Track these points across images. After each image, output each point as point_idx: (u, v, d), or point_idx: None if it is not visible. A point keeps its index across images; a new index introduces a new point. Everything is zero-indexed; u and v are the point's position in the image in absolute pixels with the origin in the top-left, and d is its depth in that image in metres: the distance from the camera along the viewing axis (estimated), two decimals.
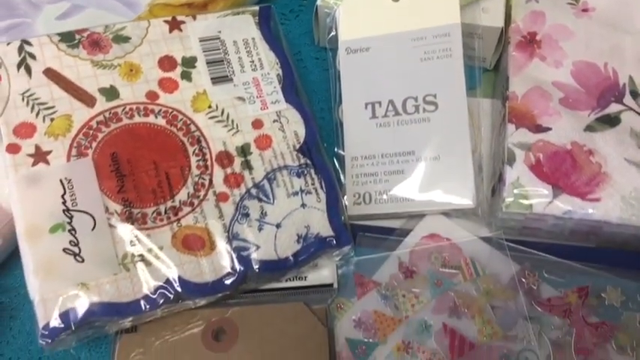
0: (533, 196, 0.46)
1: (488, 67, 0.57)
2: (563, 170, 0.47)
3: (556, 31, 0.53)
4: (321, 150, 0.49)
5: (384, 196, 0.49)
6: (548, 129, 0.49)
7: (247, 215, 0.46)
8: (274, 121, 0.49)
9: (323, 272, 0.47)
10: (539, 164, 0.47)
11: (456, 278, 0.46)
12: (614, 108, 0.49)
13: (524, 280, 0.46)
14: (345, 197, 0.50)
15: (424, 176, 0.49)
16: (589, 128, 0.48)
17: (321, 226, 0.46)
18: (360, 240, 0.49)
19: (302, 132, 0.49)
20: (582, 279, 0.45)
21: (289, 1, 0.62)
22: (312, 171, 0.48)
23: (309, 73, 0.58)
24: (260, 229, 0.45)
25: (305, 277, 0.47)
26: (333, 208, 0.47)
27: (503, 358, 0.43)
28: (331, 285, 0.47)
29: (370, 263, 0.48)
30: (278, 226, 0.46)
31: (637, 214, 0.45)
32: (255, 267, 0.44)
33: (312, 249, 0.45)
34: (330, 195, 0.47)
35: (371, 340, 0.45)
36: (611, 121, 0.49)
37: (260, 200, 0.46)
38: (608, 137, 0.48)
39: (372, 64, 0.51)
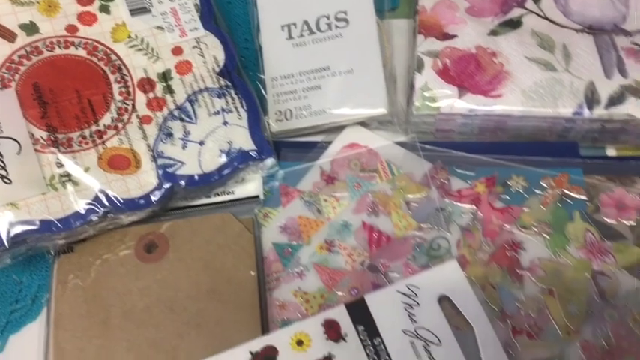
0: (441, 98, 0.49)
1: None
2: (468, 72, 0.49)
3: None
4: (242, 72, 0.51)
5: (304, 112, 0.51)
6: (455, 36, 0.51)
7: (171, 135, 0.48)
8: (194, 47, 0.51)
9: (249, 186, 0.50)
10: (446, 69, 0.50)
11: (374, 180, 0.49)
12: (516, 12, 0.52)
13: (436, 176, 0.49)
14: (268, 116, 0.52)
15: (340, 89, 0.51)
16: (493, 33, 0.51)
17: (243, 141, 0.48)
18: (285, 155, 0.51)
19: (221, 56, 0.51)
20: (490, 170, 0.48)
21: None
22: (233, 91, 0.50)
23: (234, 7, 0.60)
24: (184, 147, 0.48)
25: (233, 192, 0.50)
26: (254, 124, 0.49)
27: (417, 245, 0.46)
28: (257, 197, 0.49)
29: (294, 174, 0.51)
30: (201, 143, 0.48)
31: (537, 105, 0.48)
32: (181, 182, 0.47)
33: (235, 163, 0.48)
34: (251, 112, 0.49)
35: (295, 243, 0.48)
36: (514, 24, 0.51)
37: (182, 120, 0.48)
38: (510, 39, 0.51)
39: None
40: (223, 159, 0.48)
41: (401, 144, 0.51)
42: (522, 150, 0.49)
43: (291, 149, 0.52)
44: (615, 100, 0.47)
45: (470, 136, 0.51)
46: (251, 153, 0.48)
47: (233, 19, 0.59)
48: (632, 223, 0.45)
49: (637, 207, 0.46)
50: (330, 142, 0.52)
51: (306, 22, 0.53)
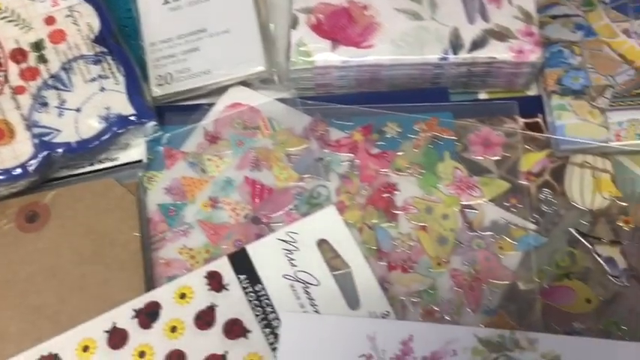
0: (315, 52, 0.50)
1: None
2: (341, 25, 0.51)
3: None
4: (119, 39, 0.51)
5: (184, 74, 0.52)
6: None
7: (46, 104, 0.48)
8: (67, 16, 0.51)
9: (133, 151, 0.50)
10: (319, 23, 0.51)
11: (256, 137, 0.50)
12: None
13: (315, 128, 0.50)
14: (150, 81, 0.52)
15: (218, 50, 0.52)
16: None
17: (121, 106, 0.48)
18: (169, 119, 0.52)
19: (96, 24, 0.51)
20: (366, 119, 0.50)
21: None
22: (109, 58, 0.50)
23: None
24: (60, 115, 0.47)
25: (117, 158, 0.50)
26: (133, 88, 0.49)
27: (297, 195, 0.48)
28: (141, 161, 0.50)
29: (179, 137, 0.51)
30: (78, 110, 0.48)
31: (405, 53, 0.49)
32: (59, 150, 0.47)
33: (114, 128, 0.48)
34: (129, 77, 0.49)
35: (180, 202, 0.48)
36: None
37: (57, 89, 0.48)
38: None
39: None
40: (102, 124, 0.48)
41: (282, 100, 0.52)
42: (397, 98, 0.51)
43: (176, 112, 0.52)
44: (478, 43, 0.49)
45: (349, 88, 0.53)
46: (130, 117, 0.48)
47: None
48: (498, 157, 0.48)
49: (502, 143, 0.48)
50: (214, 104, 0.52)
51: None
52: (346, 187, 0.48)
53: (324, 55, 0.50)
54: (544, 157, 0.48)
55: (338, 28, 0.51)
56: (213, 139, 0.50)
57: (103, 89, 0.49)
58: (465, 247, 0.45)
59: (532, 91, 0.53)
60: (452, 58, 0.49)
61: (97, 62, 0.49)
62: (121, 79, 0.49)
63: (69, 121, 0.47)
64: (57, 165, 0.48)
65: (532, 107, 0.51)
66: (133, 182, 0.49)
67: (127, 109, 0.48)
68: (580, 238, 0.45)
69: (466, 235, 0.45)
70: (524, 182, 0.47)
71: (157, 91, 0.52)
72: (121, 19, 0.56)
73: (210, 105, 0.52)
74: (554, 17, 0.53)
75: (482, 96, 0.53)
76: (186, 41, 0.52)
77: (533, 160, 0.48)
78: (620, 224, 0.45)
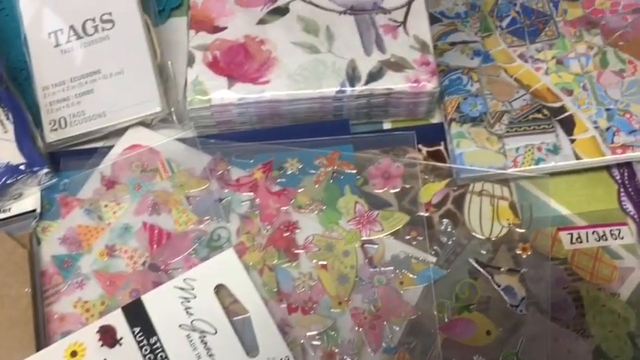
0: (211, 90, 0.49)
1: None
2: (237, 62, 0.50)
3: None
4: (8, 84, 0.50)
5: (79, 118, 0.50)
6: (225, 28, 0.52)
7: None
8: None
9: (27, 201, 0.48)
10: (215, 60, 0.50)
11: (154, 180, 0.49)
12: (283, 0, 0.53)
13: (215, 168, 0.49)
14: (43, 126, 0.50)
15: (112, 91, 0.50)
16: (261, 21, 0.52)
17: (10, 155, 0.47)
18: (65, 164, 0.50)
19: None
20: (267, 156, 0.49)
21: None
22: None
23: (9, 20, 0.57)
24: None
25: (10, 209, 0.48)
26: (23, 136, 0.48)
27: (197, 239, 0.46)
28: (34, 211, 0.48)
29: (75, 183, 0.49)
30: None
31: (302, 88, 0.49)
32: None
33: (3, 178, 0.46)
34: (19, 124, 0.48)
35: (75, 252, 0.46)
36: (281, 11, 0.52)
37: None
38: (277, 26, 0.51)
39: None
40: None
41: (182, 140, 0.51)
42: (299, 132, 0.50)
43: (72, 157, 0.50)
44: (375, 75, 0.49)
45: (250, 124, 0.52)
46: (20, 166, 0.47)
47: (9, 32, 0.56)
48: (398, 189, 0.47)
49: (402, 175, 0.48)
50: (111, 146, 0.51)
51: (72, 27, 0.51)
52: (247, 228, 0.47)
53: (220, 92, 0.49)
54: (444, 187, 0.48)
55: (235, 64, 0.50)
56: (110, 183, 0.49)
57: None
58: (365, 284, 0.44)
59: (435, 119, 0.53)
60: (349, 90, 0.49)
61: None
62: (10, 126, 0.48)
63: None
64: None
65: (435, 135, 0.51)
66: (25, 234, 0.47)
67: (16, 157, 0.47)
68: (479, 269, 0.44)
69: (367, 271, 0.45)
70: (425, 214, 0.46)
71: (51, 136, 0.50)
72: (16, 62, 0.54)
73: (109, 148, 0.51)
74: (453, 44, 0.53)
75: (387, 125, 0.53)
76: (79, 84, 0.51)
77: (433, 191, 0.47)
78: (519, 252, 0.45)
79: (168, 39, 0.56)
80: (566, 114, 0.49)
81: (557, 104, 0.49)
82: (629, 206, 0.48)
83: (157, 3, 0.57)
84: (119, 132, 0.51)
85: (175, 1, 0.58)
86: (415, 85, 0.49)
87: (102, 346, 0.42)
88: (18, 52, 0.55)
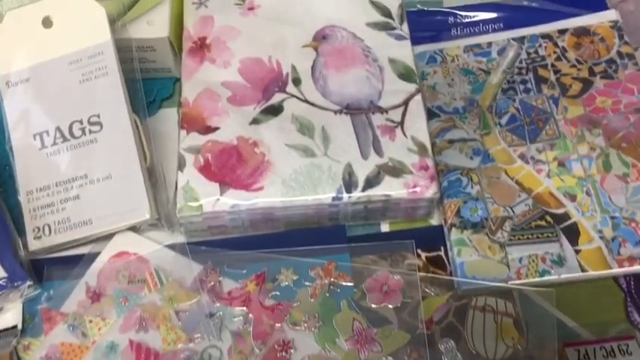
0: (203, 197, 0.47)
1: (179, 76, 0.57)
2: (230, 166, 0.48)
3: (224, 33, 0.55)
4: None
5: (64, 225, 0.48)
6: (217, 129, 0.50)
7: None
8: None
9: (8, 315, 0.46)
10: (207, 164, 0.48)
11: (142, 292, 0.47)
12: (277, 98, 0.52)
13: (206, 279, 0.47)
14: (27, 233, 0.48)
15: (99, 197, 0.48)
16: (255, 121, 0.50)
17: None
18: (48, 274, 0.48)
19: None
20: (260, 266, 0.47)
21: None
22: None
23: None
24: None
25: None
26: (4, 248, 0.46)
27: (186, 359, 0.44)
28: (15, 327, 0.45)
29: (59, 295, 0.47)
30: None
31: (297, 195, 0.47)
32: None
33: None
34: (0, 237, 0.46)
35: None
36: (275, 110, 0.51)
37: None
38: (271, 126, 0.50)
39: (34, 93, 0.50)
40: None
41: (172, 246, 0.49)
42: (293, 238, 0.48)
43: (56, 266, 0.48)
44: (372, 181, 0.47)
45: (243, 230, 0.50)
46: (1, 282, 0.44)
47: None
48: (397, 304, 0.45)
49: (401, 287, 0.46)
50: (98, 253, 0.49)
51: (58, 129, 0.50)
52: (239, 347, 0.44)
53: (212, 200, 0.47)
54: (445, 301, 0.46)
55: (227, 168, 0.48)
56: (95, 296, 0.47)
57: None
58: None
59: (435, 220, 0.51)
60: (345, 197, 0.47)
61: None
62: None
63: None
64: None
65: (434, 239, 0.50)
66: (5, 354, 0.44)
67: None
68: None
69: None
70: (425, 332, 0.44)
71: (35, 243, 0.48)
72: (1, 158, 0.52)
73: (96, 254, 0.49)
74: (452, 142, 0.52)
75: (384, 227, 0.51)
76: (65, 189, 0.49)
77: (434, 306, 0.45)
78: None
79: (159, 130, 0.54)
80: (570, 221, 0.47)
81: (561, 210, 0.48)
82: (636, 316, 0.46)
83: (147, 94, 0.55)
84: (107, 236, 0.49)
85: (166, 92, 0.57)
86: (414, 191, 0.47)
87: None
88: (2, 147, 0.53)
